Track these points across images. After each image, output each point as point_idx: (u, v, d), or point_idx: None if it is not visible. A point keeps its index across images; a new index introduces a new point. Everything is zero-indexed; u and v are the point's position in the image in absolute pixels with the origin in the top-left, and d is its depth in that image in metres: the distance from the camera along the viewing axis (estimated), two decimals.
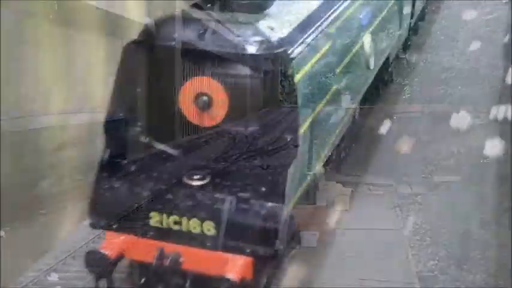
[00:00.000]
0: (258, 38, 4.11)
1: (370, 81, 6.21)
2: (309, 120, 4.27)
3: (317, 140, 4.50)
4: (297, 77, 4.11)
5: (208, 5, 4.46)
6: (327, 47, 4.67)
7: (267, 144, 4.14)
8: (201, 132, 4.25)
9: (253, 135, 4.18)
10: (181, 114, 4.25)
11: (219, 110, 4.17)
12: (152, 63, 4.28)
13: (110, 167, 4.36)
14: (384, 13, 6.62)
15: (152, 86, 4.33)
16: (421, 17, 10.18)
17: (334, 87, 4.74)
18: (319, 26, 4.69)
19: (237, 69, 4.15)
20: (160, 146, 4.35)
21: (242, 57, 4.06)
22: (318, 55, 4.50)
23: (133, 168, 4.35)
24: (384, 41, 6.76)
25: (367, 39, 5.87)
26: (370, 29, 5.99)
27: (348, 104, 5.29)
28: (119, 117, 4.36)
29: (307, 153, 4.29)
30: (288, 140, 4.07)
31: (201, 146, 4.28)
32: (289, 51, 4.15)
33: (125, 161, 4.36)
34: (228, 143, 4.24)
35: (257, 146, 4.17)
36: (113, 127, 4.36)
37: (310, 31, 4.56)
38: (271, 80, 4.08)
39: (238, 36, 4.11)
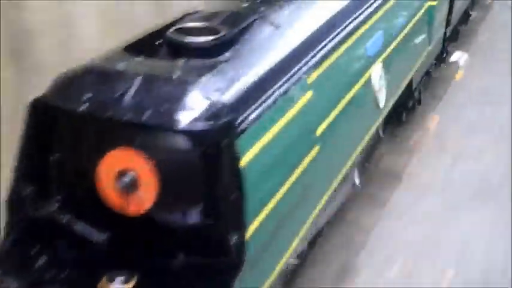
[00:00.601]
0: (195, 102, 3.00)
1: (379, 121, 5.00)
2: (264, 216, 3.15)
3: (277, 240, 3.39)
4: (246, 158, 3.00)
5: (143, 49, 3.40)
6: (302, 103, 3.50)
7: (206, 245, 3.08)
8: (126, 220, 3.20)
9: (189, 230, 3.14)
10: (101, 196, 3.21)
11: (147, 193, 3.10)
12: (62, 129, 3.26)
13: (11, 259, 3.36)
14: (405, 30, 5.37)
15: (64, 158, 3.32)
16: (464, 20, 8.78)
17: (312, 157, 3.58)
18: (294, 74, 3.52)
19: (167, 143, 3.08)
20: (75, 237, 3.36)
21: (172, 129, 2.98)
22: (286, 119, 3.35)
23: (40, 263, 3.34)
24: (404, 65, 5.53)
25: (376, 72, 4.66)
26: (382, 58, 4.77)
27: (335, 174, 4.11)
28: (24, 194, 3.33)
29: (260, 261, 3.17)
30: (231, 244, 2.98)
31: (126, 239, 3.24)
32: (237, 122, 3.03)
33: (31, 252, 3.35)
34: (159, 236, 3.19)
35: (195, 245, 3.11)
36: (17, 205, 3.35)
37: (280, 83, 3.40)
38: (209, 161, 3.02)
39: (171, 97, 3.02)
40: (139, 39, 3.49)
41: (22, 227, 3.38)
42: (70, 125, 3.20)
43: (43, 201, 3.38)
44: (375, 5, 4.64)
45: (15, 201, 3.35)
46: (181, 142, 3.03)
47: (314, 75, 3.65)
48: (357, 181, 5.00)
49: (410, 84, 5.93)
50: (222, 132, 2.95)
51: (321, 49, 3.80)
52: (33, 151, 3.28)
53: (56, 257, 3.32)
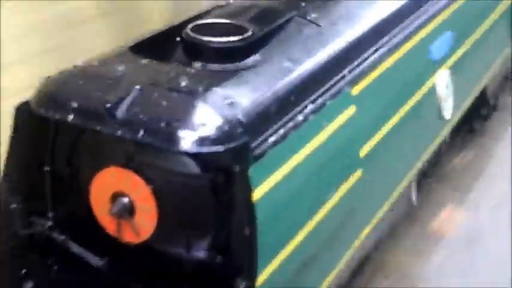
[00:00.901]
0: (204, 118, 2.45)
1: (444, 134, 4.34)
2: (284, 257, 2.60)
3: (302, 285, 2.83)
4: (261, 190, 2.44)
5: (152, 50, 2.87)
6: (341, 120, 2.91)
7: (213, 284, 2.60)
8: (125, 246, 2.75)
9: (194, 265, 2.68)
10: (95, 219, 2.75)
11: (146, 221, 2.62)
12: (50, 139, 2.80)
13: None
14: (480, 30, 4.65)
15: (55, 171, 2.88)
16: None
17: (352, 183, 2.99)
18: (334, 84, 2.93)
19: (169, 166, 2.59)
20: (69, 259, 2.92)
21: (173, 150, 2.46)
22: (319, 140, 2.77)
23: (29, 286, 2.93)
24: (477, 69, 4.82)
25: (441, 79, 4.00)
26: (450, 62, 4.10)
27: (382, 201, 3.47)
28: (13, 208, 2.91)
29: None
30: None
31: (125, 267, 2.82)
32: (255, 144, 2.47)
33: (20, 274, 2.93)
34: (161, 268, 2.75)
35: (201, 282, 2.65)
36: (6, 220, 2.91)
37: (315, 96, 2.82)
38: (217, 190, 2.52)
39: (175, 111, 2.48)
40: (150, 37, 2.96)
41: (11, 245, 2.96)
42: (57, 135, 2.75)
43: (34, 217, 2.95)
44: (442, 1, 3.96)
45: (3, 216, 2.92)
46: (185, 166, 2.53)
47: (360, 87, 3.04)
48: (414, 197, 4.33)
49: (484, 89, 5.21)
50: (234, 157, 2.41)
51: (371, 54, 3.18)
52: (21, 161, 2.84)
53: (48, 280, 2.93)
